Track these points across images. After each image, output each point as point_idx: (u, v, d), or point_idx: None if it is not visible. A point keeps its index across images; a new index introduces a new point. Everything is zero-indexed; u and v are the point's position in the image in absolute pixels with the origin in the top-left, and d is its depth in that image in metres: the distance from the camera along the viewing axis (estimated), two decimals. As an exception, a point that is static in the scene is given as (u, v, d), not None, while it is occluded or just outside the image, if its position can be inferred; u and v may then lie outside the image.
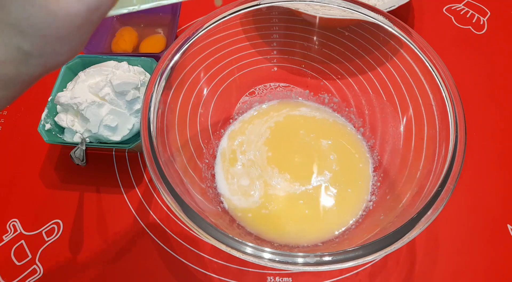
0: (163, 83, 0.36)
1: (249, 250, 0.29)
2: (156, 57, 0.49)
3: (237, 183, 0.44)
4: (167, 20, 0.57)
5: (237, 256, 0.29)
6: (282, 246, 0.40)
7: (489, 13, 0.61)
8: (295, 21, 0.46)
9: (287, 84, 0.50)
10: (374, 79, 0.45)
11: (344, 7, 0.40)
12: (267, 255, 0.28)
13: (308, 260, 0.28)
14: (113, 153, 0.49)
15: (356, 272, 0.42)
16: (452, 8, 0.62)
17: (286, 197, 0.42)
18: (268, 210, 0.42)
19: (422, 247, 0.43)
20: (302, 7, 0.45)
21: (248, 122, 0.48)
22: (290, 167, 0.44)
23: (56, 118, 0.46)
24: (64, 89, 0.47)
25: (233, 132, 0.47)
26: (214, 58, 0.44)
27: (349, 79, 0.47)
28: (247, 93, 0.50)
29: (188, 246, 0.43)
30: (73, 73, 0.49)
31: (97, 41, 0.54)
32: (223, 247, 0.29)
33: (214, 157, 0.46)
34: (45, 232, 0.45)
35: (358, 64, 0.45)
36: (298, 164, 0.45)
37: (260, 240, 0.40)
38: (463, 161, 0.32)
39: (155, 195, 0.46)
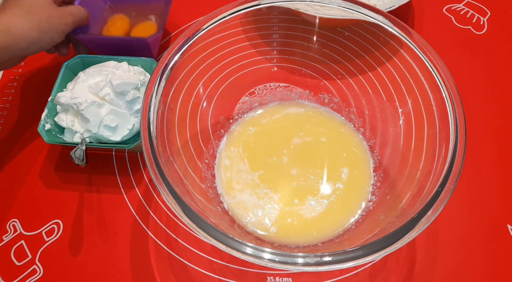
0: (163, 83, 0.36)
1: (249, 250, 0.29)
2: (152, 52, 0.49)
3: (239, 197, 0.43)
4: (159, 9, 0.57)
5: (237, 256, 0.29)
6: (282, 246, 0.40)
7: (489, 13, 0.61)
8: (295, 21, 0.46)
9: (287, 84, 0.50)
10: (374, 79, 0.45)
11: (344, 7, 0.40)
12: (267, 255, 0.28)
13: (308, 260, 0.28)
14: (113, 153, 0.49)
15: (356, 272, 0.42)
16: (452, 8, 0.62)
17: (286, 198, 0.42)
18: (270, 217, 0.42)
19: (422, 247, 0.43)
20: (302, 7, 0.45)
21: (233, 144, 0.47)
22: (289, 173, 0.44)
23: (56, 118, 0.46)
24: (64, 89, 0.47)
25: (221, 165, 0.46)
26: (214, 58, 0.44)
27: (349, 79, 0.47)
28: (247, 93, 0.50)
29: (188, 246, 0.43)
30: (73, 73, 0.49)
31: (89, 27, 0.53)
32: (223, 247, 0.29)
33: (214, 157, 0.46)
34: (45, 232, 0.45)
35: (358, 64, 0.45)
36: (296, 168, 0.45)
37: (260, 240, 0.40)
38: (463, 161, 0.32)
39: (155, 195, 0.46)
